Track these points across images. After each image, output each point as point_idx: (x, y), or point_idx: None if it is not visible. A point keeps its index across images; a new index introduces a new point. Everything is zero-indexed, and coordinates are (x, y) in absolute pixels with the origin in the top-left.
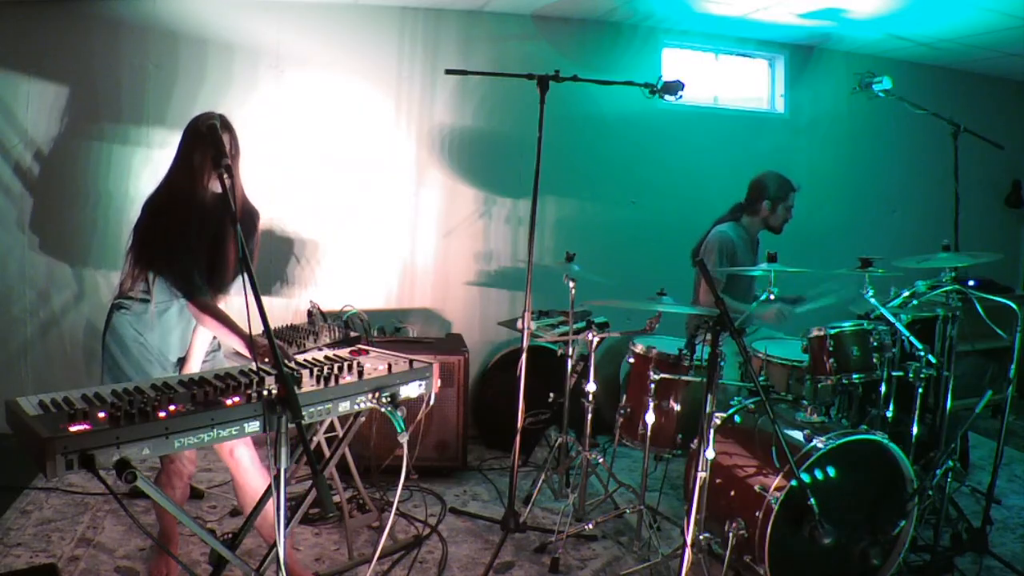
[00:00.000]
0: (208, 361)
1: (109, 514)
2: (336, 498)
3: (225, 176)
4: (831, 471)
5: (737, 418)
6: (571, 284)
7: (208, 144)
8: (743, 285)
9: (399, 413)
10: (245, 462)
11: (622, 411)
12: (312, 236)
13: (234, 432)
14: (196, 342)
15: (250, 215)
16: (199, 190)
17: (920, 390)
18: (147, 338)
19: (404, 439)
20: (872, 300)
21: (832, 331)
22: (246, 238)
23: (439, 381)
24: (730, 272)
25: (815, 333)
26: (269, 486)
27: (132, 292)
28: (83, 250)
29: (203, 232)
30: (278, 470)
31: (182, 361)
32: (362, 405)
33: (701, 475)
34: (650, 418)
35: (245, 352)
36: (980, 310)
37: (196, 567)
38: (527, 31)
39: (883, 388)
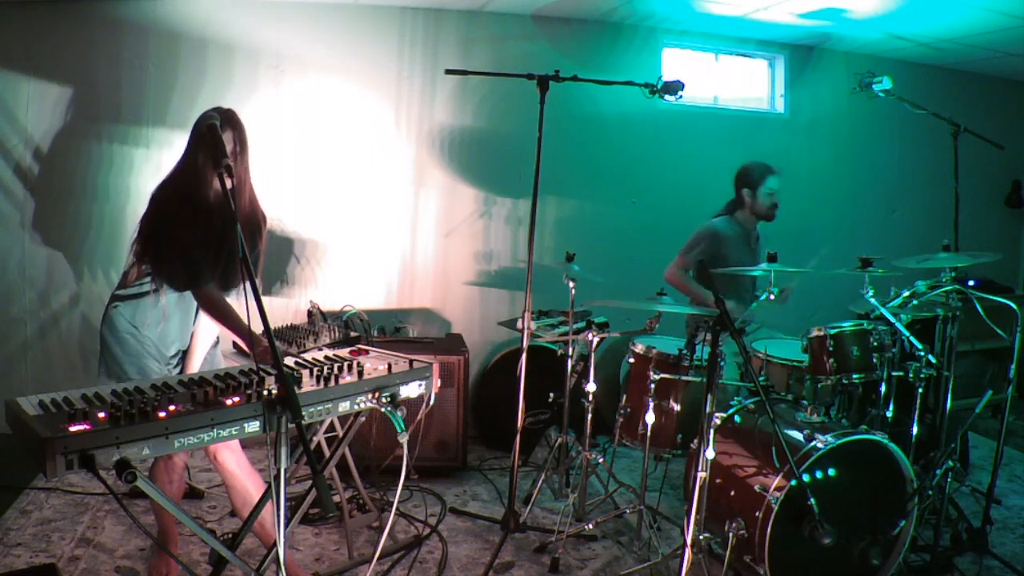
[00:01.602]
0: (207, 359)
1: (109, 514)
2: (336, 498)
3: (225, 176)
4: (831, 471)
5: (737, 418)
6: (571, 284)
7: (202, 150)
8: (746, 283)
9: (399, 413)
10: (230, 466)
11: (622, 411)
12: (312, 236)
13: (234, 432)
14: (198, 336)
15: (256, 216)
16: (204, 188)
17: (920, 390)
18: (143, 331)
19: (404, 439)
20: (872, 300)
21: (832, 331)
22: (252, 240)
23: (439, 381)
24: (728, 272)
25: (815, 333)
26: (267, 488)
27: (133, 284)
28: (83, 250)
29: (210, 225)
30: (278, 470)
31: (183, 355)
32: (362, 405)
33: (701, 475)
34: (650, 418)
35: (245, 347)
36: (980, 310)
37: (196, 567)
38: (527, 31)
39: (883, 388)
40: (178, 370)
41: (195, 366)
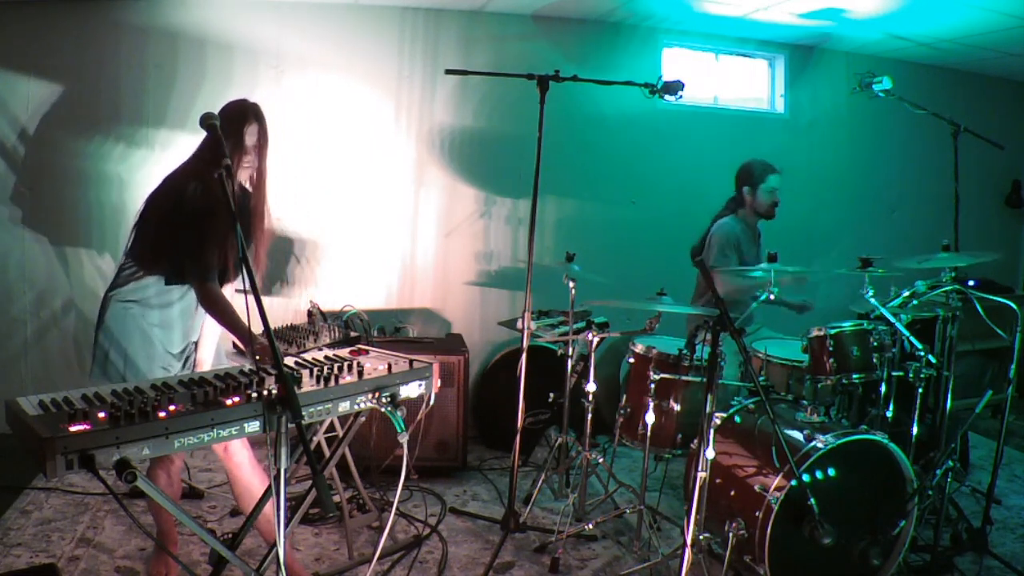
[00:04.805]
0: (217, 351)
1: (109, 514)
2: (336, 498)
3: (225, 176)
4: (831, 471)
5: (737, 418)
6: (571, 284)
7: (227, 140)
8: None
9: (399, 413)
10: (244, 465)
11: (622, 411)
12: (312, 236)
13: (234, 432)
14: (208, 324)
15: (266, 209)
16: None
17: (920, 390)
18: (154, 329)
19: (404, 439)
20: (872, 300)
21: (832, 331)
22: (256, 232)
23: (439, 381)
24: (735, 270)
25: (815, 333)
26: (269, 486)
27: (134, 279)
28: (83, 251)
29: (216, 220)
30: (278, 470)
31: (194, 346)
32: (362, 405)
33: (701, 475)
34: (650, 418)
35: (242, 347)
36: (980, 310)
37: (196, 567)
38: (527, 31)
39: (883, 388)
40: (189, 363)
41: (209, 355)
